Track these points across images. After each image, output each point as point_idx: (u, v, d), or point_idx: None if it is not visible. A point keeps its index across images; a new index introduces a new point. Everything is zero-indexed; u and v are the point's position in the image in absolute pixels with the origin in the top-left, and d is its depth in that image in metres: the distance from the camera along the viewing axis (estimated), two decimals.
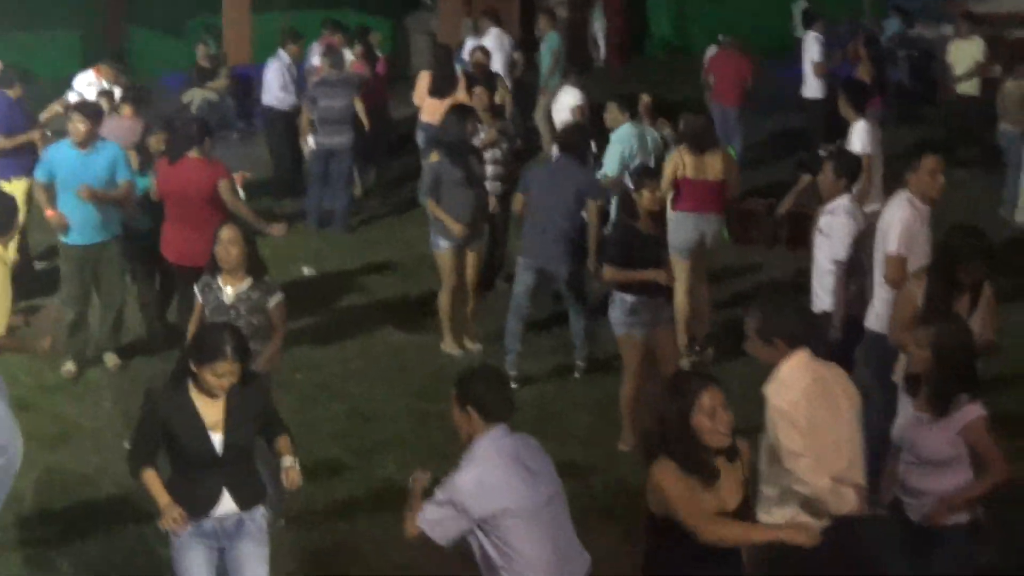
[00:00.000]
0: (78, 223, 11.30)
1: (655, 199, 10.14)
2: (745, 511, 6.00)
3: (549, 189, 11.50)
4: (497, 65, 17.94)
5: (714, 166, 11.89)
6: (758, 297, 7.62)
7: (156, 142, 12.07)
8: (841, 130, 12.84)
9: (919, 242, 8.93)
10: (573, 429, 10.54)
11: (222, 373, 6.54)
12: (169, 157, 11.43)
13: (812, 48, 18.57)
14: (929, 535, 6.83)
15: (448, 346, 12.18)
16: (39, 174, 11.50)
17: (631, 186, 10.38)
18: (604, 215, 12.05)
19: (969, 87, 18.84)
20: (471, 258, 12.17)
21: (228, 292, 8.52)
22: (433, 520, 6.01)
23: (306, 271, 14.32)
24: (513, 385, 10.82)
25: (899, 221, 8.91)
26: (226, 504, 6.74)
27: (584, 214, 11.59)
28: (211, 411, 6.65)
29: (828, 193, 9.63)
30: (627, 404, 10.24)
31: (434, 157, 12.21)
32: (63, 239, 11.45)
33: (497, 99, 16.22)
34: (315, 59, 17.98)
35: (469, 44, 18.67)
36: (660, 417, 5.95)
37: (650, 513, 5.94)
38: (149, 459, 6.69)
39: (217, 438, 6.65)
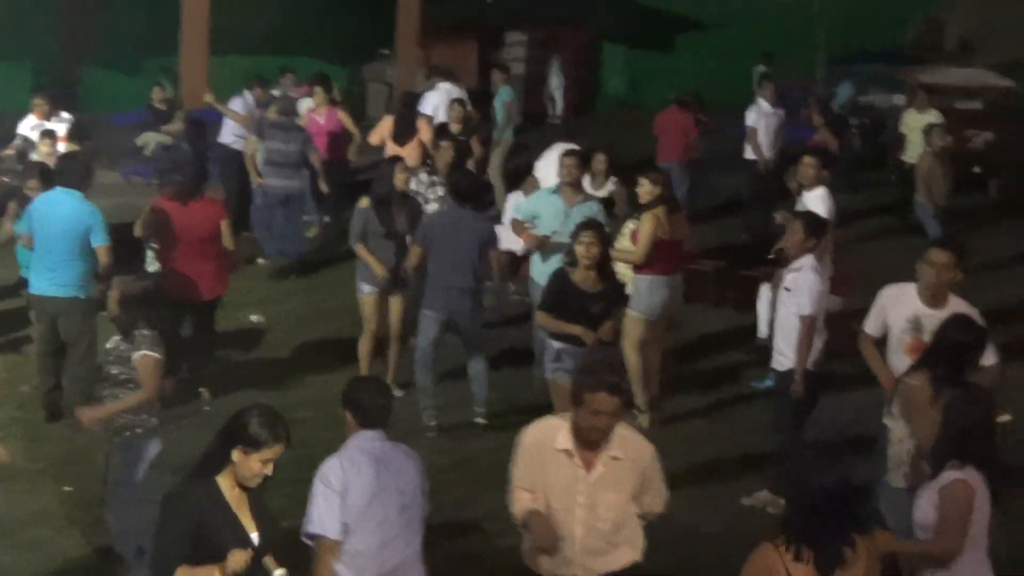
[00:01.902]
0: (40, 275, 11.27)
1: (587, 252, 10.19)
2: None
3: (450, 240, 11.49)
4: (442, 119, 18.03)
5: (680, 226, 12.05)
6: None
7: (31, 188, 12.14)
8: (777, 193, 12.95)
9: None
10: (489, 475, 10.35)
11: (269, 459, 5.95)
12: (180, 199, 11.88)
13: (749, 114, 18.83)
14: None
15: None
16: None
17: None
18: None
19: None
20: (395, 304, 12.20)
21: (111, 341, 8.77)
22: (319, 515, 6.37)
23: (254, 319, 14.29)
24: (430, 435, 11.29)
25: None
26: None
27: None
28: (240, 505, 6.00)
29: (795, 252, 9.85)
30: None
31: (364, 203, 12.34)
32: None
33: (475, 149, 16.78)
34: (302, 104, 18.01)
35: (430, 94, 18.77)
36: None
37: None
38: (180, 562, 5.83)
39: (255, 536, 6.00)
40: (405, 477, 6.68)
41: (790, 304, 9.77)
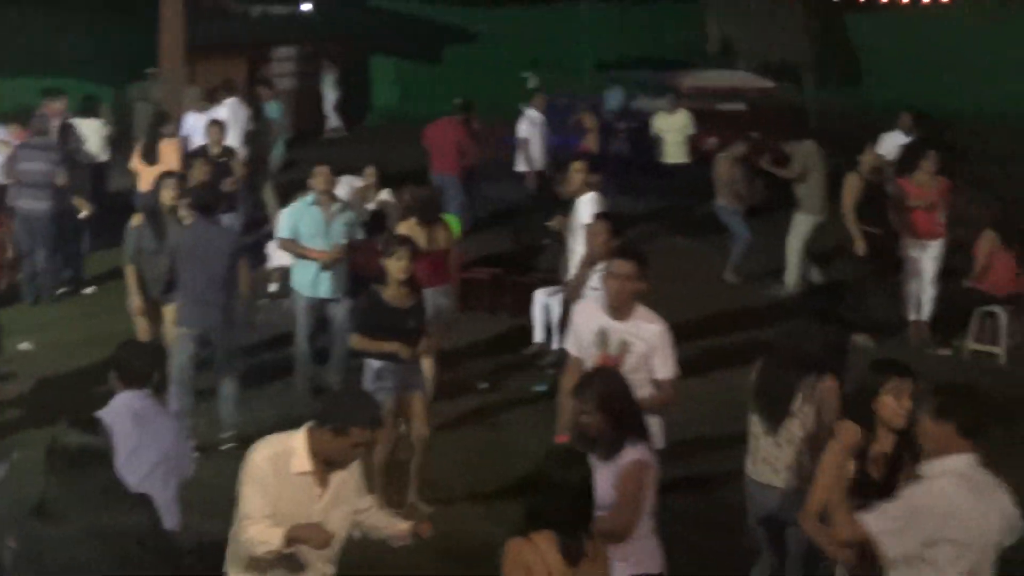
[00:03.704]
0: None
1: (402, 267, 10.05)
2: None
3: (199, 255, 11.42)
4: (234, 137, 17.97)
5: (441, 238, 12.10)
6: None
7: None
8: (549, 201, 13.20)
9: None
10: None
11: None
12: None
13: (519, 125, 19.05)
14: None
15: None
16: None
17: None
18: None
19: (679, 156, 19.58)
20: (168, 315, 12.07)
21: None
22: None
23: (23, 346, 13.97)
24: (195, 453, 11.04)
25: None
26: None
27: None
28: None
29: (600, 253, 10.04)
30: (379, 469, 10.16)
31: (135, 221, 12.34)
32: None
33: (236, 170, 16.62)
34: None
35: (191, 114, 18.65)
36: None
37: None
38: None
39: None
40: (163, 433, 7.35)
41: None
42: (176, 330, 11.66)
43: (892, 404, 6.91)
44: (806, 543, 7.48)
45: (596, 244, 10.26)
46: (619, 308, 8.39)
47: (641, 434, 6.94)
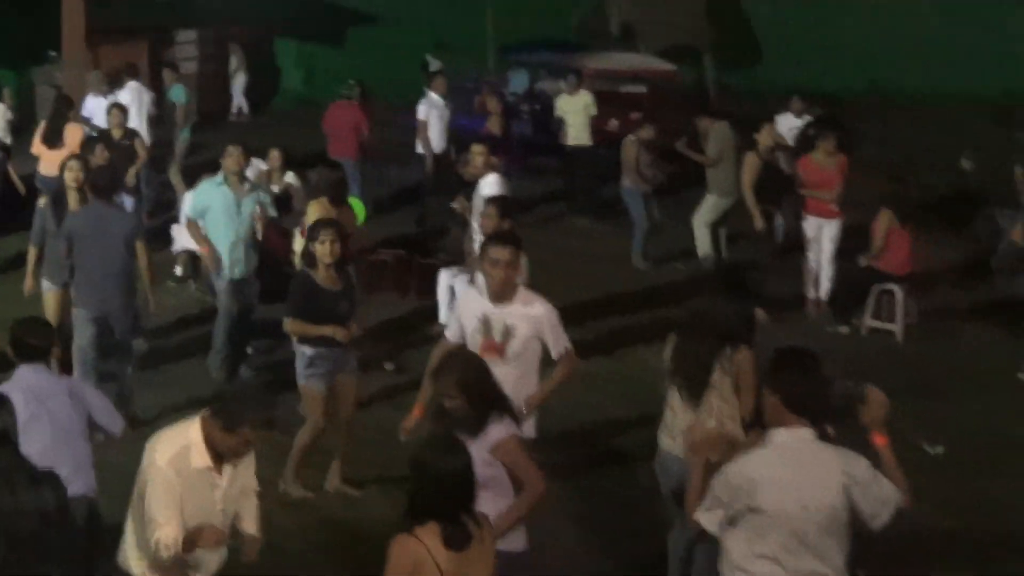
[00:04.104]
0: None
1: (331, 251, 10.03)
2: None
3: (95, 238, 11.44)
4: (136, 120, 17.93)
5: (349, 219, 12.14)
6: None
7: None
8: (452, 183, 13.36)
9: None
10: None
11: None
12: None
13: (420, 107, 19.23)
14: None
15: None
16: None
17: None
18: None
19: (582, 138, 19.83)
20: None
21: None
22: None
23: None
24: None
25: None
26: None
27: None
28: None
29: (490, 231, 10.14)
30: (300, 450, 10.25)
31: (42, 202, 12.40)
32: None
33: (140, 152, 16.66)
34: None
35: (91, 97, 18.62)
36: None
37: None
38: None
39: None
40: (59, 406, 7.55)
41: None
42: (76, 311, 11.67)
43: None
44: None
45: (488, 227, 10.44)
46: (500, 293, 8.41)
47: (503, 410, 7.05)
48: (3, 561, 5.92)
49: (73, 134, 16.46)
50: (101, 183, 11.88)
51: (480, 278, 9.76)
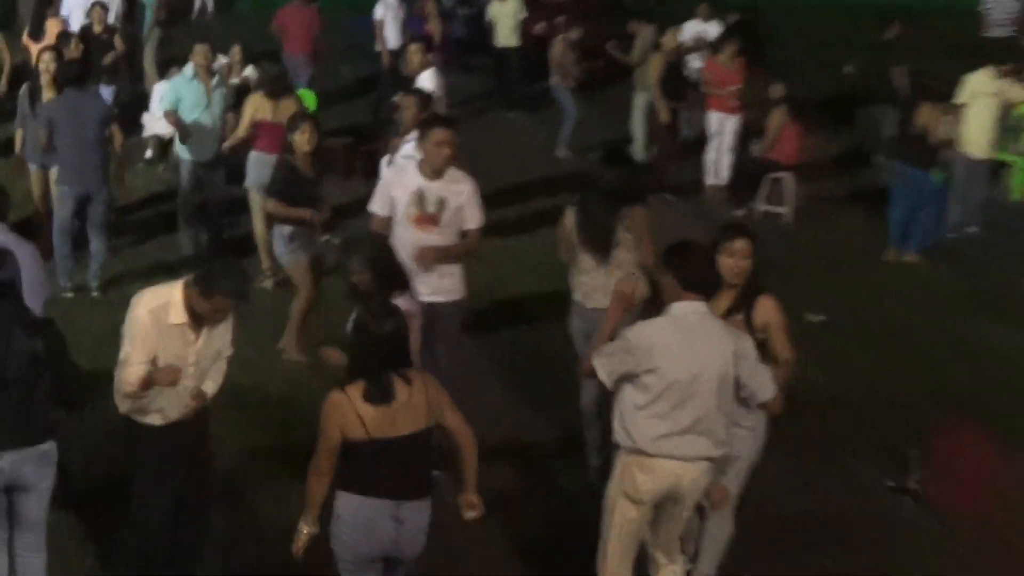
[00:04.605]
0: None
1: (307, 140, 10.74)
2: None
3: (74, 122, 12.14)
4: (111, 17, 18.49)
5: (288, 110, 12.52)
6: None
7: None
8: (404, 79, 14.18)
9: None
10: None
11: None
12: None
13: (376, 8, 20.07)
14: None
15: None
16: None
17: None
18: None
19: (510, 40, 20.82)
20: (52, 175, 12.83)
21: None
22: None
23: None
24: (68, 295, 12.31)
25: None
26: None
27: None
28: None
29: (410, 124, 10.75)
30: (299, 315, 11.03)
31: (23, 90, 13.32)
32: None
33: (118, 46, 17.45)
34: None
35: None
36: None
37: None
38: None
39: None
40: (24, 262, 7.28)
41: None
42: (57, 189, 12.54)
43: (729, 262, 7.33)
44: None
45: (406, 117, 10.91)
46: (440, 170, 8.93)
47: (404, 288, 7.67)
48: None
49: (52, 28, 17.16)
50: (70, 75, 12.52)
51: (401, 158, 10.75)
